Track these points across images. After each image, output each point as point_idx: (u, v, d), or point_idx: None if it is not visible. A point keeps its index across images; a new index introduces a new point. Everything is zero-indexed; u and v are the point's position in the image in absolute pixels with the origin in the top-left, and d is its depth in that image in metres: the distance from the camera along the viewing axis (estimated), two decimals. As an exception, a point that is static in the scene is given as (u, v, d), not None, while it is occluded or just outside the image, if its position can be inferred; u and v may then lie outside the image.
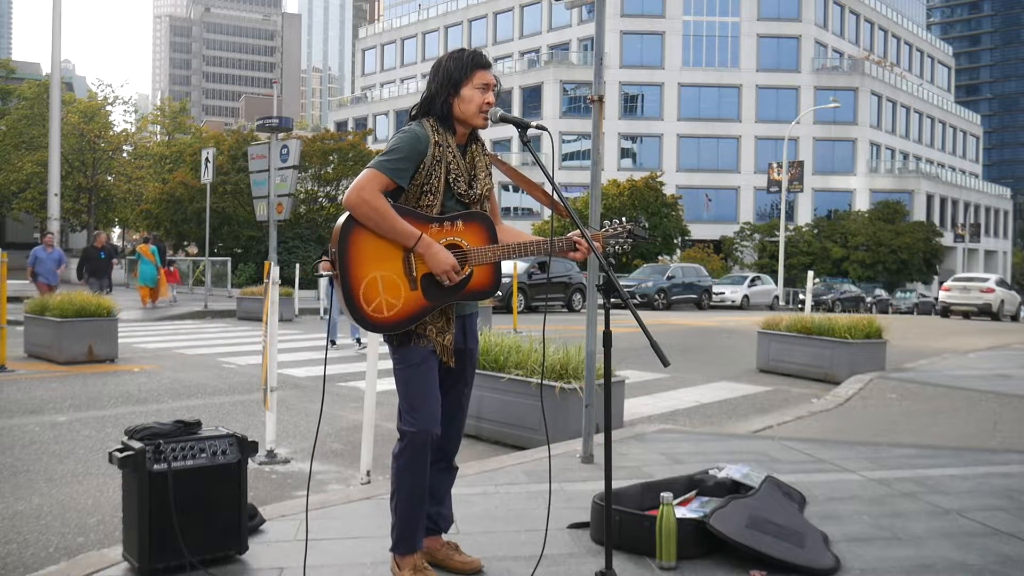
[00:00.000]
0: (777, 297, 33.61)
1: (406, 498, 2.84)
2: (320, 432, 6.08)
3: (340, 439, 5.88)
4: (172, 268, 23.12)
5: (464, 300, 2.86)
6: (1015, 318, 27.97)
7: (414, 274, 2.73)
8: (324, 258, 2.81)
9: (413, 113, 2.93)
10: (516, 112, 47.02)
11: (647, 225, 38.05)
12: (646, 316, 21.22)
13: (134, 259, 22.49)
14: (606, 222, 3.02)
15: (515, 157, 49.53)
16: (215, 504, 2.99)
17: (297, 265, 22.06)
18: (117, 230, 53.76)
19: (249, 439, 3.14)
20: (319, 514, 3.63)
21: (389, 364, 2.93)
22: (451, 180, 2.82)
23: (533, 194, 3.25)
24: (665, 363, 2.49)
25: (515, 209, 51.88)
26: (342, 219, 2.73)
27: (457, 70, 2.83)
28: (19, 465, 4.96)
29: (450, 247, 2.78)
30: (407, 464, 2.82)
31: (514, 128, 2.85)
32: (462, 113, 2.84)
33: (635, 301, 25.69)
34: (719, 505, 3.28)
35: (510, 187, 51.36)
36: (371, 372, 4.37)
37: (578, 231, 2.85)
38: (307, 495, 3.20)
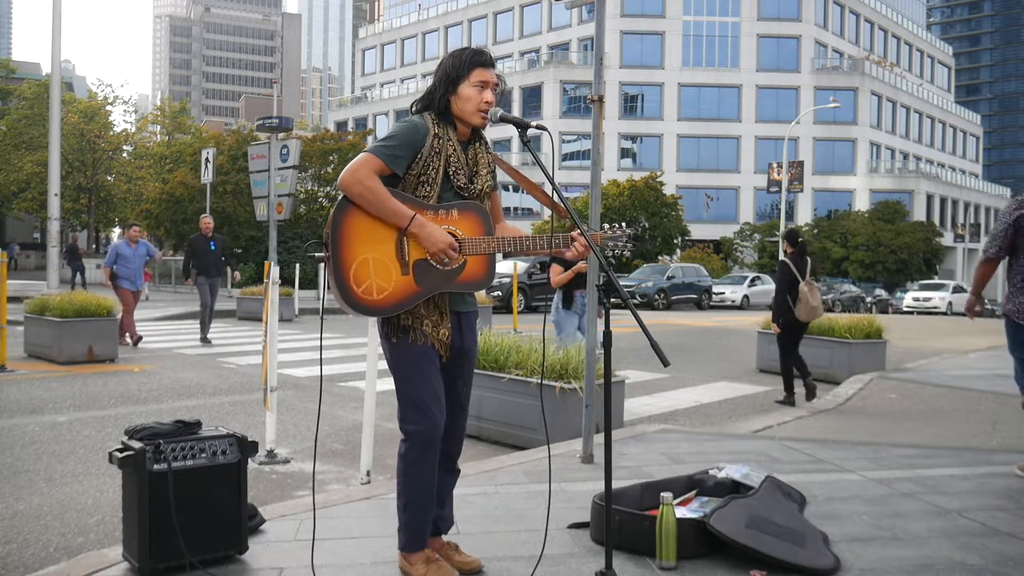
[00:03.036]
0: (777, 297, 33.55)
1: (415, 498, 2.84)
2: (320, 432, 6.08)
3: (340, 439, 5.88)
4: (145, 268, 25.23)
5: (456, 291, 2.83)
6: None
7: (406, 259, 2.73)
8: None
9: (414, 109, 2.92)
10: (516, 112, 47.00)
11: (647, 225, 38.08)
12: (646, 316, 21.21)
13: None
14: (606, 225, 3.02)
15: (515, 157, 49.50)
16: (215, 504, 2.99)
17: (297, 265, 22.05)
18: (117, 230, 53.77)
19: (249, 439, 3.14)
20: (319, 514, 3.63)
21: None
22: (451, 172, 2.81)
23: (533, 194, 3.25)
24: (665, 363, 2.49)
25: (515, 209, 51.89)
26: (337, 201, 2.74)
27: (455, 68, 2.83)
28: (19, 465, 4.96)
29: None
30: (414, 463, 2.82)
31: (514, 128, 2.84)
32: (460, 111, 2.83)
33: (635, 301, 25.59)
34: (719, 505, 3.28)
35: (510, 187, 51.31)
36: (371, 372, 4.37)
37: (578, 230, 2.83)
38: (313, 494, 3.19)
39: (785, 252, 8.27)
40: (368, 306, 2.71)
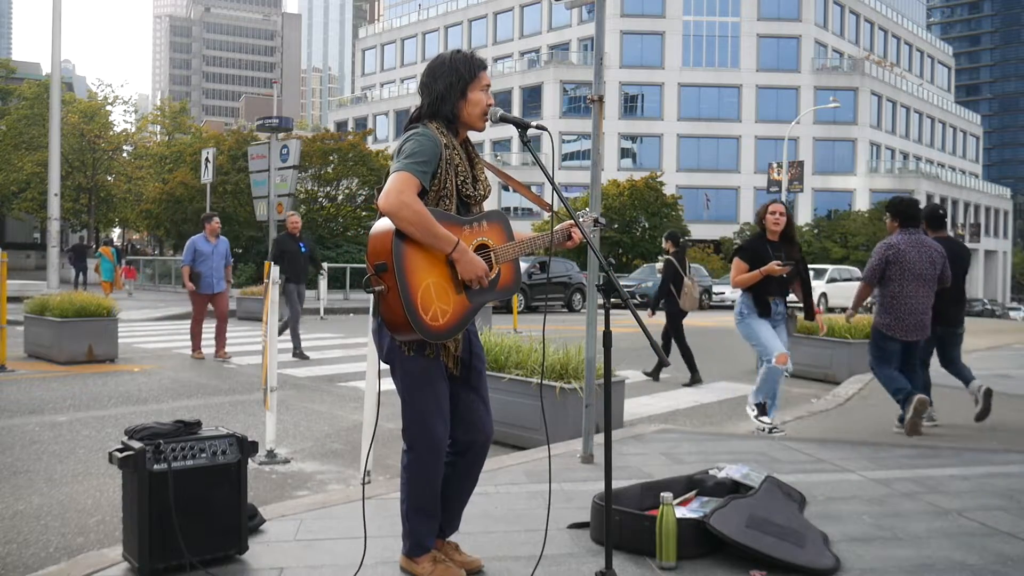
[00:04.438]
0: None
1: (419, 506, 2.85)
2: (320, 432, 6.09)
3: (340, 439, 5.88)
4: (128, 266, 26.78)
5: (496, 298, 2.88)
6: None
7: (459, 277, 2.70)
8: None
9: (415, 116, 2.85)
10: (516, 112, 47.06)
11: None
12: (646, 316, 21.18)
13: (97, 258, 24.01)
14: (579, 213, 3.11)
15: (515, 157, 49.52)
16: (215, 504, 2.99)
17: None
18: (117, 230, 53.72)
19: (249, 439, 3.14)
20: (319, 514, 3.63)
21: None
22: (459, 183, 2.80)
23: (520, 191, 3.29)
24: (665, 363, 2.50)
25: (515, 209, 51.89)
26: (385, 227, 2.62)
27: (467, 71, 2.79)
28: (19, 465, 4.96)
29: (480, 247, 2.78)
30: (417, 474, 2.82)
31: (514, 128, 2.85)
32: (468, 116, 2.81)
33: (635, 301, 25.59)
34: (719, 505, 3.28)
35: (510, 187, 51.23)
36: (371, 372, 4.37)
37: (571, 222, 2.96)
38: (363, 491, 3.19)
39: (668, 251, 9.46)
40: (437, 331, 2.65)
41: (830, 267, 30.53)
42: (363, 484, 3.24)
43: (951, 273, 6.05)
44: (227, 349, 10.39)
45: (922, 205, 6.20)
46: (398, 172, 2.63)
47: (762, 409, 6.01)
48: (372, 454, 4.40)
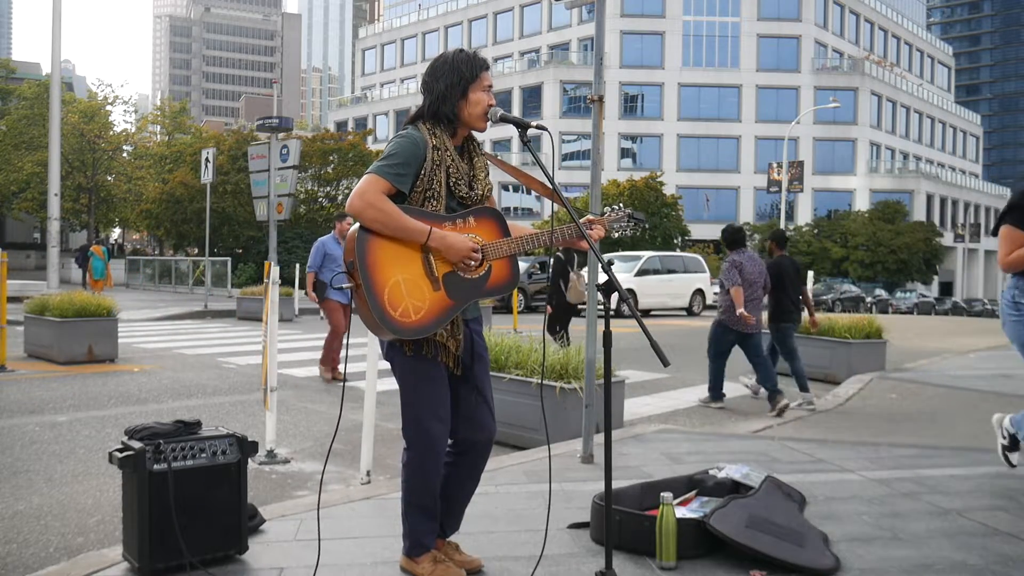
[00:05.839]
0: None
1: (414, 505, 2.85)
2: (320, 432, 6.09)
3: (340, 439, 5.87)
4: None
5: (486, 296, 2.82)
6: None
7: (435, 274, 2.68)
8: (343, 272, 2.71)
9: (415, 115, 2.86)
10: (516, 112, 47.07)
11: (647, 224, 38.16)
12: (646, 316, 21.17)
13: (88, 256, 24.00)
14: (607, 208, 3.06)
15: (515, 157, 49.50)
16: (215, 504, 2.99)
17: (297, 265, 22.05)
18: (117, 230, 53.71)
19: (249, 439, 3.14)
20: (319, 514, 3.62)
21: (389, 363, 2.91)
22: (452, 184, 2.79)
23: (532, 186, 3.25)
24: (665, 363, 2.49)
25: (515, 209, 51.91)
26: (354, 228, 2.68)
27: (469, 71, 2.78)
28: (19, 465, 4.96)
29: None
30: (416, 470, 2.82)
31: (514, 128, 2.83)
32: (468, 116, 2.80)
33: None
34: (719, 505, 3.28)
35: (510, 187, 51.37)
36: (371, 372, 4.37)
37: (586, 218, 2.89)
38: (320, 496, 3.19)
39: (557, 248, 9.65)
40: (407, 328, 2.64)
41: (646, 254, 23.05)
42: (319, 489, 3.23)
43: (771, 282, 7.63)
44: (226, 348, 10.34)
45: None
46: (367, 174, 2.68)
47: (1015, 442, 4.48)
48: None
